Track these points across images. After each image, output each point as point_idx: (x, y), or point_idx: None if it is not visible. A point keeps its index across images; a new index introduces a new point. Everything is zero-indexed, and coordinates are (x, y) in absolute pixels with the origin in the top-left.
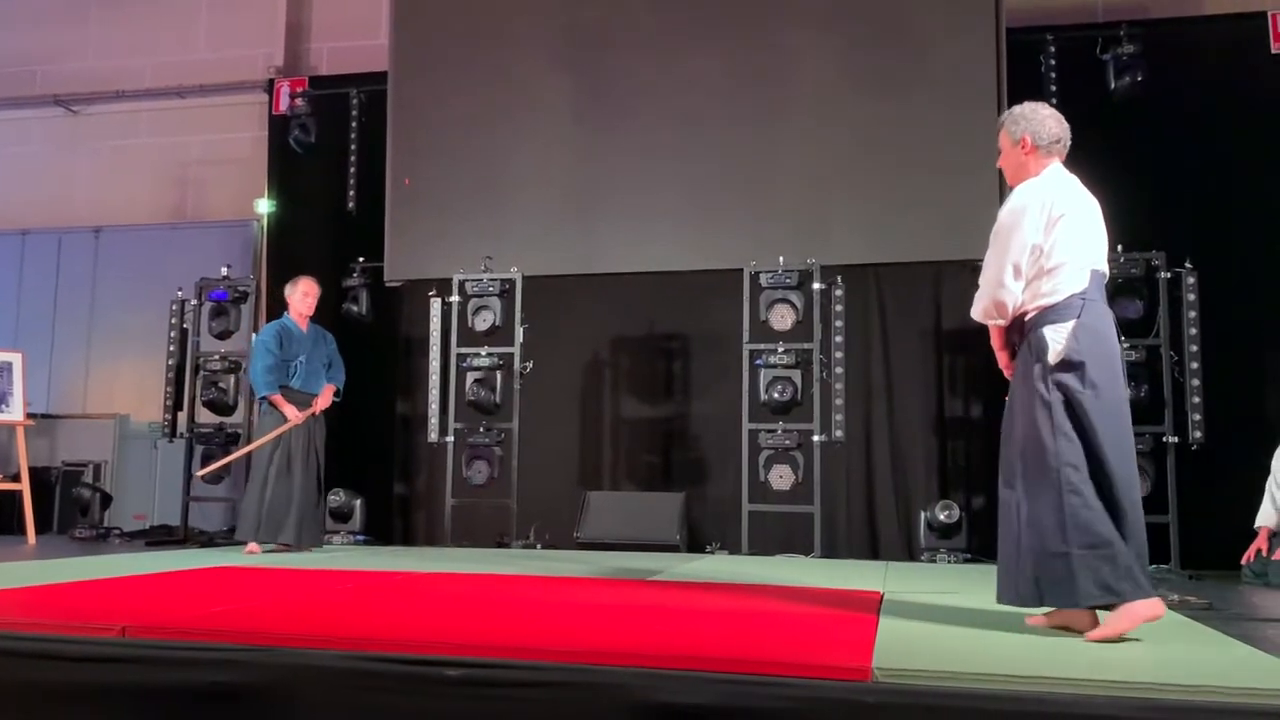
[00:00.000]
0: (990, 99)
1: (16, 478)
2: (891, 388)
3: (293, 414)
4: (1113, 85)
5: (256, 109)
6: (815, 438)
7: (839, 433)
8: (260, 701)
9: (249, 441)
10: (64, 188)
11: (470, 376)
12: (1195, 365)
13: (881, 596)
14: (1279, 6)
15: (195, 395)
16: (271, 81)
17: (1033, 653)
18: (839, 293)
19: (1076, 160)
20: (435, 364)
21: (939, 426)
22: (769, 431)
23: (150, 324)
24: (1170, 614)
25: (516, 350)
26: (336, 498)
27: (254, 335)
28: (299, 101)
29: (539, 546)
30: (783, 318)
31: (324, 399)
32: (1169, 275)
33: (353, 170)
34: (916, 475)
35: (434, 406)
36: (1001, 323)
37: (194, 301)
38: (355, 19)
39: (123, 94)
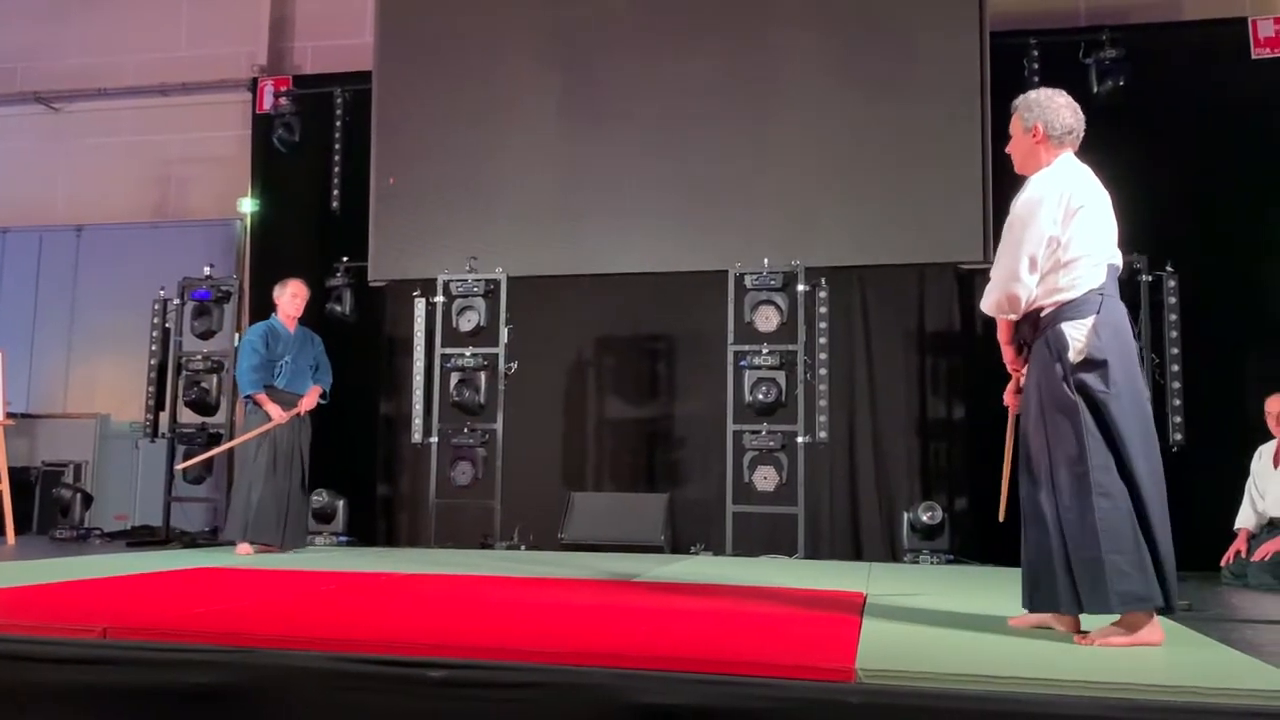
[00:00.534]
0: (974, 102)
1: None
2: (875, 389)
3: (277, 413)
4: (1095, 89)
5: (240, 107)
6: (799, 439)
7: (823, 434)
8: (243, 703)
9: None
10: (45, 186)
11: (454, 377)
12: (1176, 368)
13: (865, 597)
14: (1259, 12)
15: (177, 395)
16: (255, 80)
17: (1015, 653)
18: (823, 294)
19: None
20: (419, 364)
21: (922, 428)
22: (753, 432)
23: (132, 323)
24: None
25: (501, 351)
26: (320, 498)
27: (237, 335)
28: (283, 100)
29: (523, 547)
30: (767, 319)
31: (310, 400)
32: (1150, 278)
33: (336, 169)
34: (899, 476)
35: (418, 407)
36: (1013, 317)
37: (176, 301)
38: (339, 17)
39: (104, 91)
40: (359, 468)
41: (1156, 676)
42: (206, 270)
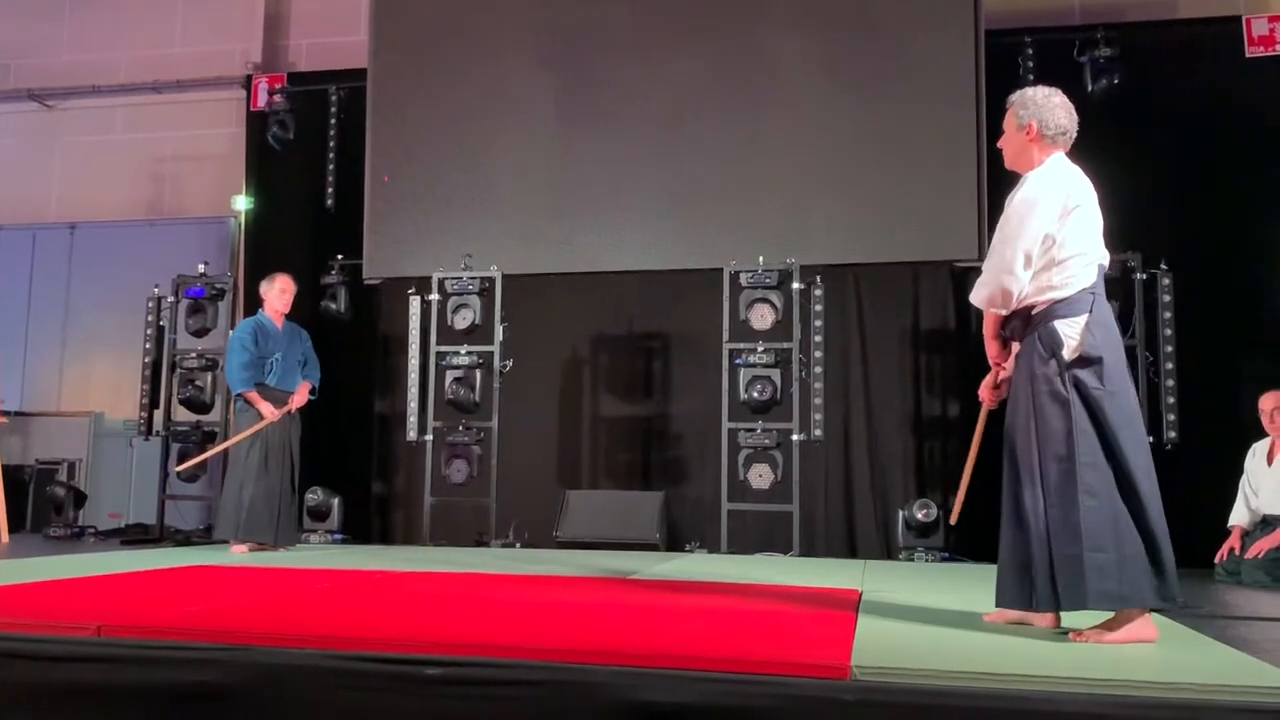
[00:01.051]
0: (969, 101)
1: None
2: (870, 387)
3: (269, 411)
4: (1090, 87)
5: (234, 105)
6: (794, 437)
7: (818, 432)
8: (238, 701)
9: (226, 439)
10: (38, 183)
11: (449, 375)
12: (1170, 366)
13: (860, 595)
14: (1254, 10)
15: (171, 393)
16: (249, 77)
17: (1010, 651)
18: (818, 292)
19: None
20: (414, 362)
21: (917, 426)
22: (748, 430)
23: (126, 321)
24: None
25: (496, 349)
26: (314, 496)
27: (231, 333)
28: (277, 98)
29: (518, 545)
30: (762, 317)
31: (300, 397)
32: (1145, 276)
33: (331, 167)
34: (894, 474)
35: (413, 405)
36: (1003, 311)
37: (170, 298)
38: (334, 15)
39: (98, 89)
40: (354, 466)
41: (1151, 673)
42: (201, 268)
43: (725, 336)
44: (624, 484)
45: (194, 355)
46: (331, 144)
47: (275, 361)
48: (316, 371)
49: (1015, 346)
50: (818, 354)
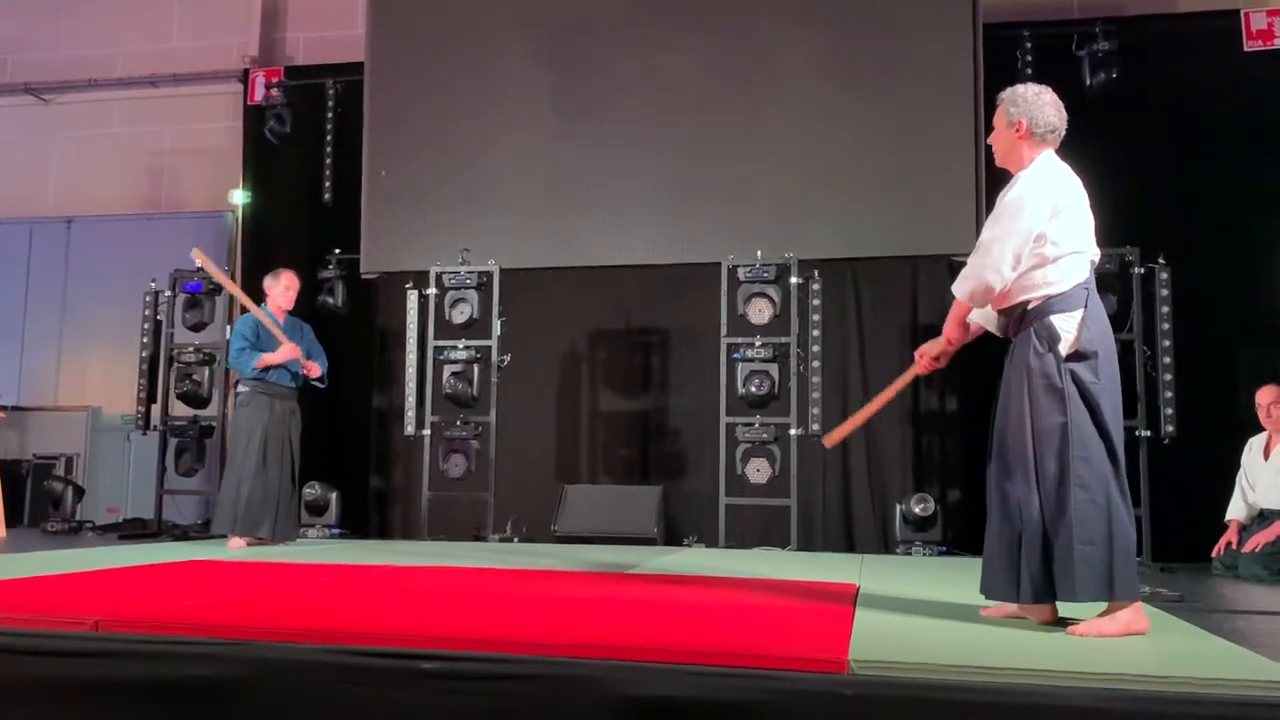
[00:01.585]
0: (967, 95)
1: None
2: (868, 381)
3: (288, 349)
4: (1088, 81)
5: (231, 99)
6: (792, 431)
7: (815, 426)
8: (235, 695)
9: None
10: (35, 177)
11: (447, 369)
12: (1168, 360)
13: (857, 589)
14: (1252, 4)
15: (169, 387)
16: (246, 71)
17: (1007, 644)
18: (816, 287)
19: None
20: (412, 357)
21: (915, 420)
22: (746, 425)
23: (123, 315)
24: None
25: (494, 343)
26: (312, 491)
27: (228, 327)
28: (274, 92)
29: (516, 540)
30: (760, 311)
31: (313, 369)
32: (1142, 270)
33: (328, 161)
34: (892, 468)
35: (410, 399)
36: (980, 307)
37: (167, 293)
38: (331, 8)
39: (95, 83)
40: (351, 460)
41: (1148, 666)
42: (197, 262)
43: (723, 331)
44: (622, 478)
45: (191, 350)
46: (329, 138)
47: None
48: (323, 359)
49: (975, 329)
50: (816, 348)
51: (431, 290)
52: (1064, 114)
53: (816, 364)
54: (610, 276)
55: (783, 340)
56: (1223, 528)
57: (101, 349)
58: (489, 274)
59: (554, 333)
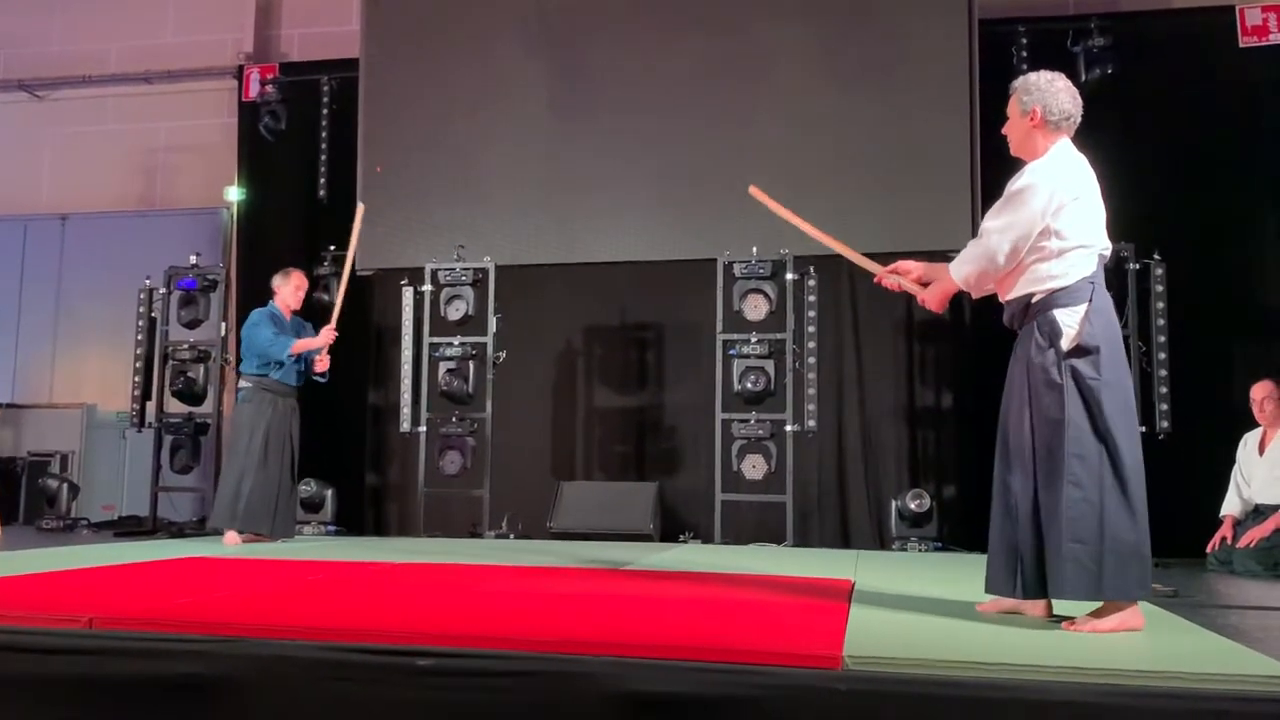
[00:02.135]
0: (963, 90)
1: None
2: (863, 378)
3: (325, 337)
4: (1083, 77)
5: (226, 95)
6: (788, 427)
7: (811, 422)
8: (230, 693)
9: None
10: (29, 174)
11: (443, 366)
12: (1163, 356)
13: (853, 585)
14: (1247, 1)
15: (164, 385)
16: (241, 67)
17: (1002, 640)
18: (812, 283)
19: None
20: (407, 353)
21: (910, 416)
22: (742, 421)
23: (118, 313)
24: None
25: (489, 340)
26: (308, 488)
27: (224, 324)
28: (269, 88)
29: (512, 536)
30: (756, 308)
31: (323, 352)
32: (1138, 266)
33: (324, 158)
34: (888, 464)
35: (406, 396)
36: (971, 293)
37: (162, 290)
38: (326, 4)
39: (88, 79)
40: (347, 457)
41: (1142, 662)
42: (193, 259)
43: (719, 327)
44: (618, 475)
45: (186, 347)
46: (324, 134)
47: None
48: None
49: (936, 292)
50: (811, 344)
51: (427, 287)
52: (1079, 100)
53: (812, 360)
54: (606, 273)
55: (778, 336)
56: (1217, 523)
57: (96, 346)
58: (484, 270)
59: (550, 329)
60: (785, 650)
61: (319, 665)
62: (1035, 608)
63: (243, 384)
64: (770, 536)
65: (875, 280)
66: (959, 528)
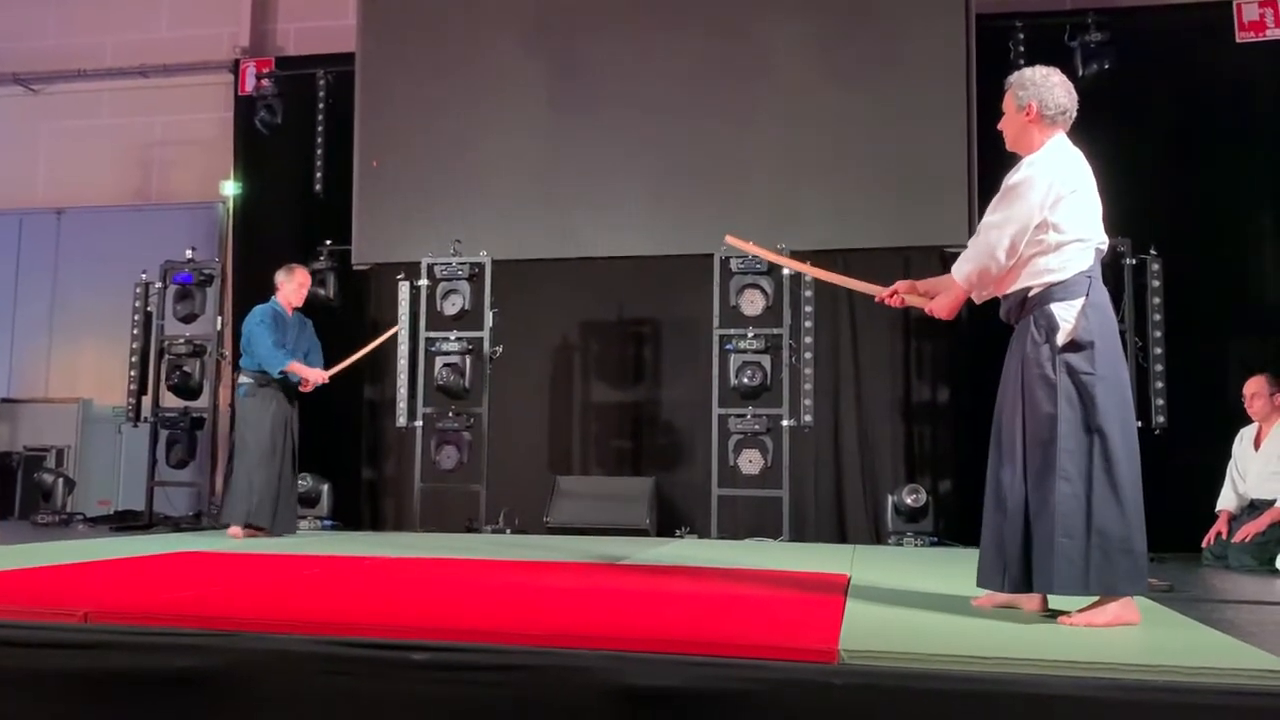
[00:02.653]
0: (959, 85)
1: None
2: (860, 373)
3: (318, 376)
4: (1081, 72)
5: (222, 89)
6: (784, 422)
7: (808, 417)
8: (225, 687)
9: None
10: (25, 168)
11: (439, 361)
12: (1159, 351)
13: (848, 579)
14: None
15: (160, 379)
16: (237, 61)
17: (997, 634)
18: (808, 279)
19: None
20: (404, 348)
21: (907, 411)
22: (738, 416)
23: (114, 307)
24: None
25: (486, 334)
26: (304, 483)
27: (219, 319)
28: (265, 82)
29: (508, 531)
30: (752, 303)
31: (322, 375)
32: (1134, 262)
33: (320, 152)
34: (884, 459)
35: (402, 391)
36: (973, 292)
37: (158, 284)
38: None
39: (84, 73)
40: (344, 452)
41: (1138, 656)
42: (189, 253)
43: (715, 322)
44: (614, 469)
45: (182, 341)
46: (320, 129)
47: (286, 351)
48: (319, 359)
49: (945, 301)
50: (808, 340)
51: (423, 281)
52: (1074, 95)
53: (809, 355)
54: (603, 268)
55: (775, 332)
56: (1213, 518)
57: (92, 341)
58: (481, 265)
59: (546, 324)
60: (781, 644)
61: (315, 659)
62: (1031, 602)
63: (243, 379)
64: (766, 531)
65: (876, 300)
66: (955, 523)
